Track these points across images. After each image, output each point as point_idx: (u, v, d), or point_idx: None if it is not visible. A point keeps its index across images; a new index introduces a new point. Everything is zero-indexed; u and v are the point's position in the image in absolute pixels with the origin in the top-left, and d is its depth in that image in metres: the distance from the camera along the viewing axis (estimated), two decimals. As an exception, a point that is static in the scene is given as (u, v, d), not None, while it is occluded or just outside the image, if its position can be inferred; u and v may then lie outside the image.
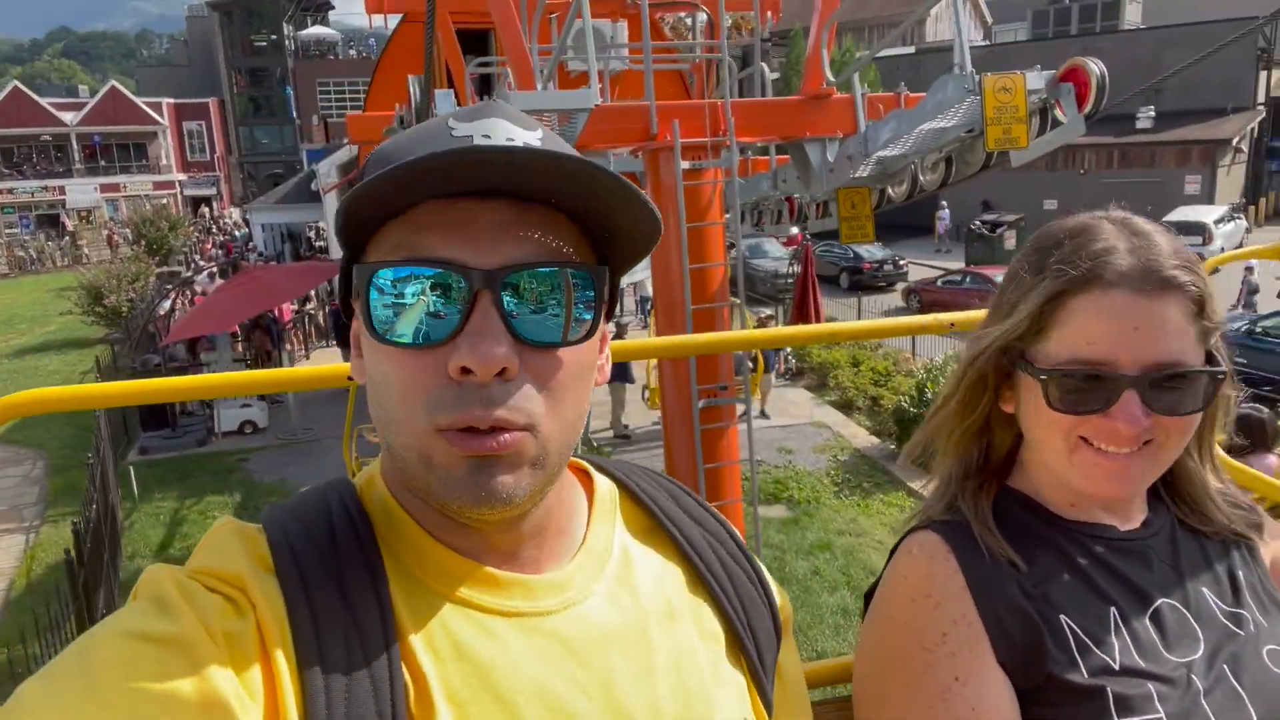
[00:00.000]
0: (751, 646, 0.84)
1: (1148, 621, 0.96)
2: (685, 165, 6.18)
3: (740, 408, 6.88)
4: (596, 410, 12.43)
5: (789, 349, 15.14)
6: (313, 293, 17.80)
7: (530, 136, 0.71)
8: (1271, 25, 28.90)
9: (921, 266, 26.55)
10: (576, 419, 0.73)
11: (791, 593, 7.83)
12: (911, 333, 1.18)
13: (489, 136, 0.69)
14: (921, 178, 6.71)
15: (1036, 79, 5.11)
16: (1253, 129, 29.37)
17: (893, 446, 11.62)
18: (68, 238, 42.22)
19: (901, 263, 25.25)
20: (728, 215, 6.66)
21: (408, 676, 0.66)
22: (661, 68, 9.25)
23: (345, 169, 19.99)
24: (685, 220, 6.15)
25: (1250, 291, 18.28)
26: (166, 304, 17.52)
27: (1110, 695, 0.89)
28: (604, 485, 0.86)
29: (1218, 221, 22.76)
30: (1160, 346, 0.91)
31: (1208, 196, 26.60)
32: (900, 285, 23.35)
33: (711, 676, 0.80)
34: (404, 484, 0.73)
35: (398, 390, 0.67)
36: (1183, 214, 23.35)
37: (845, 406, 13.52)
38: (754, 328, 12.48)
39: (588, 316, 0.71)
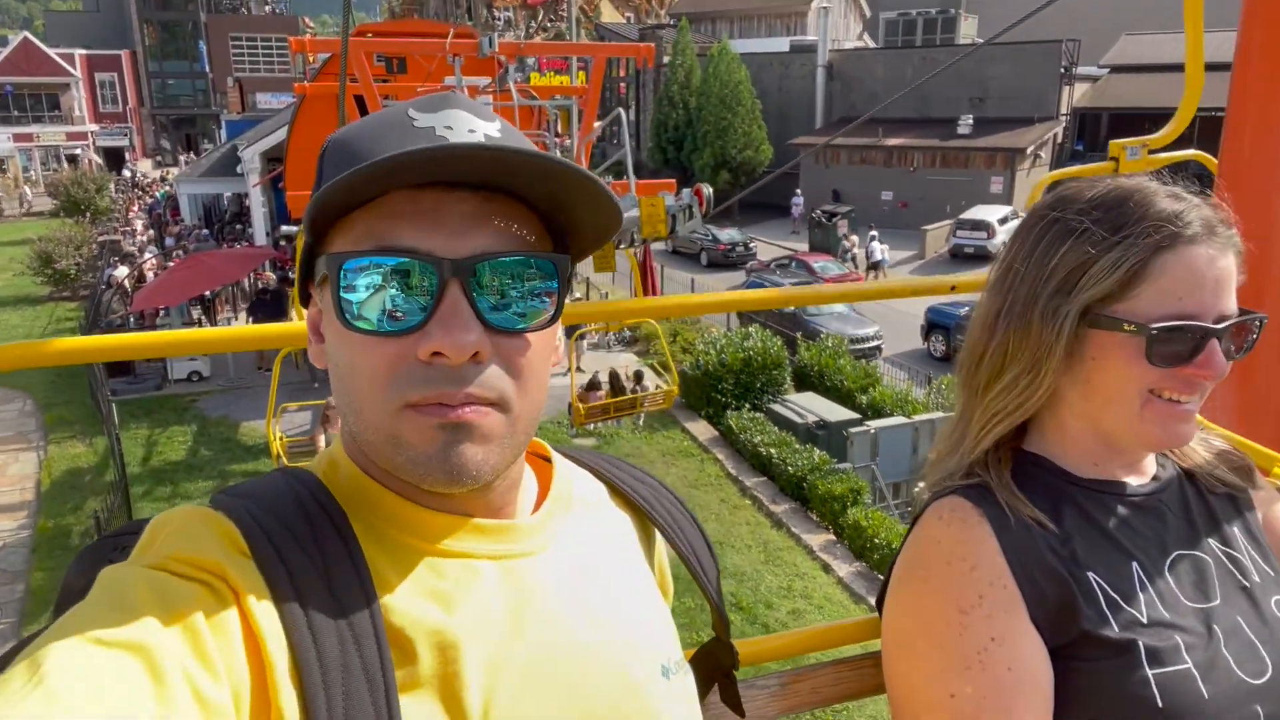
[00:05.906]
0: (701, 574, 0.96)
1: (1167, 574, 0.99)
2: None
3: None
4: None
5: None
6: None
7: (490, 128, 0.74)
8: (1074, 46, 34.17)
9: (773, 247, 31.12)
10: (542, 398, 0.76)
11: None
12: (916, 294, 1.81)
13: (451, 128, 0.71)
14: (635, 237, 11.05)
15: (671, 200, 9.41)
16: (1055, 135, 34.73)
17: (682, 400, 16.15)
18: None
19: (752, 244, 29.76)
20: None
21: (406, 632, 0.68)
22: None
23: (269, 159, 23.01)
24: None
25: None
26: (117, 273, 20.82)
27: (1142, 648, 0.92)
28: (555, 455, 0.93)
29: (1001, 220, 27.65)
30: (1229, 298, 0.96)
31: (1008, 196, 31.72)
32: (750, 264, 27.82)
33: (661, 609, 0.90)
34: (374, 462, 0.75)
35: (367, 374, 0.69)
36: (973, 213, 28.26)
37: (662, 367, 17.90)
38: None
39: (550, 303, 0.74)
